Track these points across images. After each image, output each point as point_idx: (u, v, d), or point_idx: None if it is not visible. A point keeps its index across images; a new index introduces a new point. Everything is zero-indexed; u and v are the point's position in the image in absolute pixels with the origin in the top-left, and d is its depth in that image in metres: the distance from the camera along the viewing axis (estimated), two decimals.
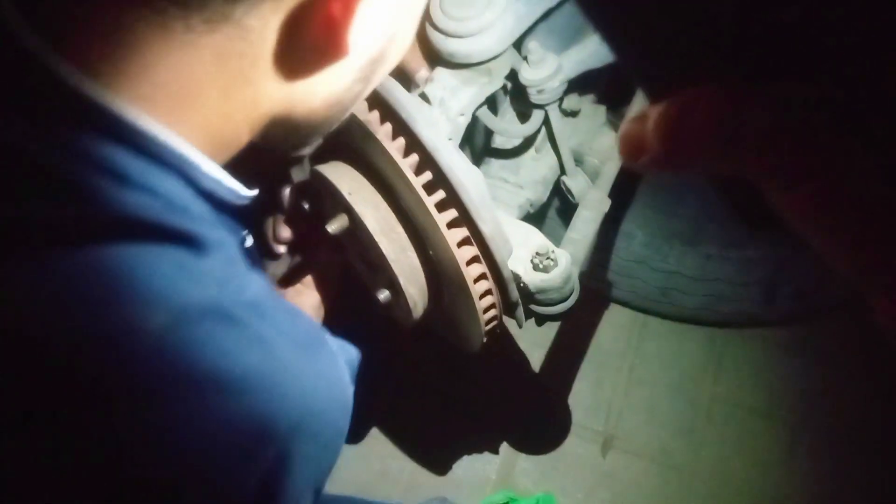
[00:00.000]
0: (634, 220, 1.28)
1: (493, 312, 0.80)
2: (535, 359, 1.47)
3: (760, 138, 0.25)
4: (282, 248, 1.00)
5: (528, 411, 1.42)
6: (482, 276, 0.76)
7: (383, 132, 0.75)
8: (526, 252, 0.79)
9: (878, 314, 0.27)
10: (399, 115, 0.73)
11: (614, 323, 1.51)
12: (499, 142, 1.05)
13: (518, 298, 0.77)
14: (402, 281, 0.79)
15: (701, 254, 1.25)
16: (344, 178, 0.81)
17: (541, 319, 0.93)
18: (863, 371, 1.41)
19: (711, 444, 1.37)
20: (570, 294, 0.79)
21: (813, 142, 0.25)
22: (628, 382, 1.44)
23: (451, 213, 0.73)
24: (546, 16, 0.85)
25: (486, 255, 0.74)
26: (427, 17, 0.80)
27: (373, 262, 0.82)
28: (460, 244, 0.74)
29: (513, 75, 0.90)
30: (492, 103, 0.95)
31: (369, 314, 1.11)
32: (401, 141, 0.74)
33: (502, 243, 0.73)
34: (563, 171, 1.04)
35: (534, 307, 0.81)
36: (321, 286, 0.94)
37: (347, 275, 0.96)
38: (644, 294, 1.38)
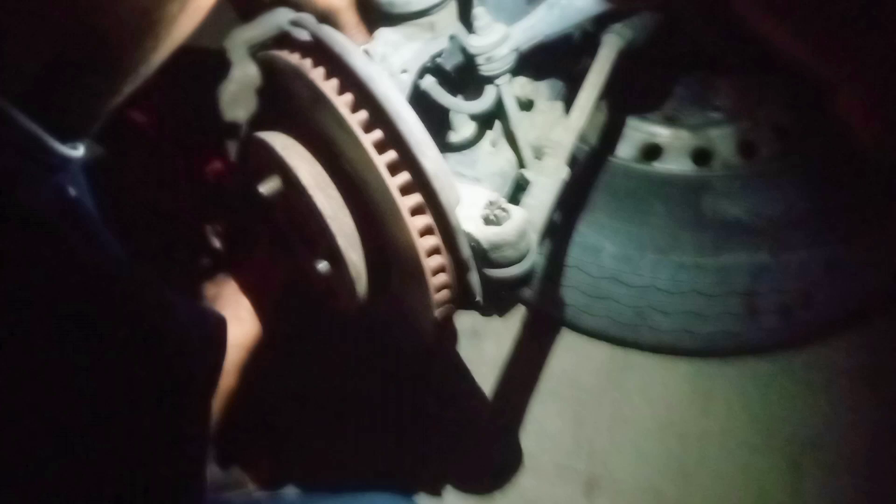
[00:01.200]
0: (601, 231, 1.25)
1: (443, 277, 0.74)
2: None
3: None
4: (217, 243, 0.95)
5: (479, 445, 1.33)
6: (428, 230, 0.71)
7: (317, 72, 0.71)
8: (477, 211, 0.74)
9: (840, 105, 0.30)
10: (332, 51, 0.70)
11: (592, 358, 1.44)
12: (454, 137, 1.02)
13: (471, 256, 0.71)
14: (340, 243, 0.74)
15: (674, 263, 1.21)
16: (277, 138, 0.77)
17: (500, 305, 0.87)
18: (865, 395, 1.36)
19: (706, 483, 1.29)
20: (527, 254, 0.73)
21: None
22: (611, 420, 1.36)
23: (392, 155, 0.69)
24: None
25: (433, 203, 0.69)
26: None
27: (310, 229, 0.77)
28: (404, 191, 0.69)
29: (462, 51, 0.88)
30: (445, 83, 0.92)
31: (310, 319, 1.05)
32: (335, 81, 0.71)
33: (447, 182, 0.68)
34: (521, 164, 1.01)
35: (489, 272, 0.74)
36: (262, 285, 0.88)
37: (286, 280, 0.91)
38: (619, 318, 1.32)
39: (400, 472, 0.93)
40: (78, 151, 0.53)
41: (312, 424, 1.32)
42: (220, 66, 0.83)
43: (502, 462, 1.33)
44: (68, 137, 0.52)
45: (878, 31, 0.28)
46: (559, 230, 1.29)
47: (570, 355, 1.47)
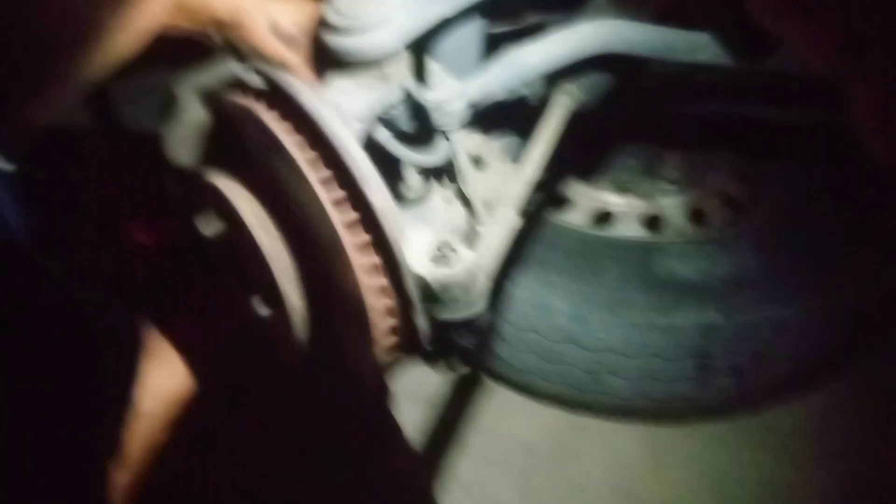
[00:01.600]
0: (555, 292, 1.25)
1: (389, 320, 0.72)
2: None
3: None
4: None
5: None
6: (374, 270, 0.69)
7: (269, 115, 0.71)
8: (426, 253, 0.73)
9: (855, 107, 0.31)
10: (286, 92, 0.70)
11: (546, 425, 1.42)
12: (407, 192, 1.03)
13: (418, 296, 0.70)
14: (282, 284, 0.72)
15: (627, 323, 1.21)
16: (222, 181, 0.76)
17: (449, 356, 0.85)
18: (819, 457, 1.35)
19: None
20: (477, 298, 0.72)
21: None
22: (566, 487, 1.33)
23: (339, 193, 0.68)
24: (444, 29, 0.86)
25: (380, 240, 0.68)
26: (321, 20, 0.80)
27: (252, 271, 0.75)
28: (350, 229, 0.68)
29: (415, 103, 0.89)
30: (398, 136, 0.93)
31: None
32: (287, 124, 0.71)
33: (395, 219, 0.67)
34: (474, 219, 1.01)
35: (439, 315, 0.73)
36: (200, 337, 0.86)
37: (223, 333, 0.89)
38: (574, 382, 1.31)
39: None
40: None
41: (248, 480, 1.25)
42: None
43: None
44: None
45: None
46: (510, 290, 1.28)
47: (523, 420, 1.44)
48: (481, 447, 1.41)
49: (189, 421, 0.82)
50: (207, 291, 0.88)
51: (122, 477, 0.70)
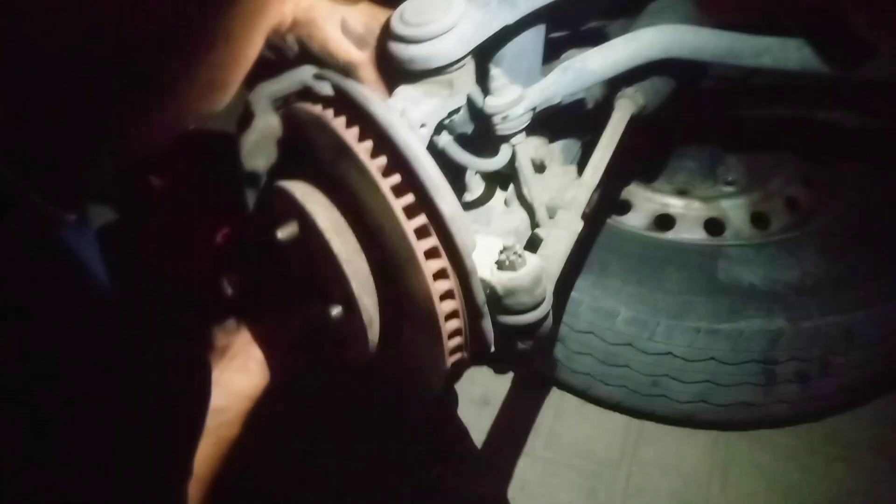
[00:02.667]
0: (617, 296, 1.25)
1: (456, 323, 0.74)
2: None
3: None
4: (230, 292, 0.96)
5: None
6: (442, 274, 0.71)
7: (338, 121, 0.74)
8: (491, 258, 0.75)
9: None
10: (354, 99, 0.72)
11: (607, 429, 1.42)
12: (468, 196, 1.04)
13: (484, 301, 0.71)
14: (355, 287, 0.74)
15: (689, 329, 1.20)
16: (296, 185, 0.79)
17: (513, 359, 0.86)
18: (885, 470, 1.32)
19: None
20: (542, 303, 0.73)
21: None
22: (625, 492, 1.32)
23: (409, 198, 0.70)
24: (506, 36, 0.87)
25: (448, 246, 0.70)
26: (387, 29, 0.82)
27: (325, 275, 0.77)
28: (419, 234, 0.70)
29: (479, 110, 0.90)
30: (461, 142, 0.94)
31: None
32: (355, 129, 0.73)
33: (463, 226, 0.69)
34: (535, 223, 1.02)
35: (503, 319, 0.74)
36: (273, 336, 0.88)
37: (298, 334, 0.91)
38: (634, 386, 1.30)
39: None
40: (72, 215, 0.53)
41: (315, 479, 1.29)
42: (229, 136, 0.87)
43: None
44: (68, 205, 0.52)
45: None
46: (573, 295, 1.29)
47: (585, 426, 1.44)
48: (542, 450, 1.41)
49: (262, 418, 0.85)
50: (281, 294, 0.91)
51: (193, 489, 0.72)
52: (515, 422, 1.45)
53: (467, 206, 1.04)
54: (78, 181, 0.50)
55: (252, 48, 0.46)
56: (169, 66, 0.42)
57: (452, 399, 1.38)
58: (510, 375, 1.51)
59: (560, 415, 1.46)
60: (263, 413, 0.87)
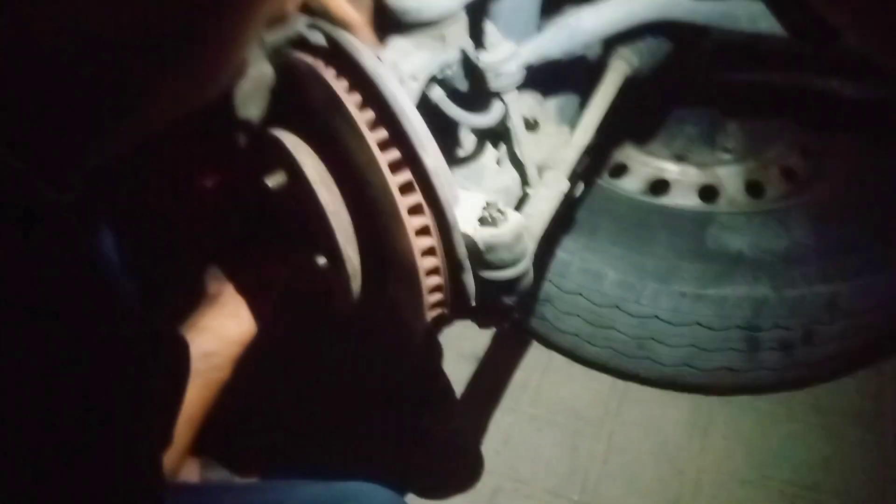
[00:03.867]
0: (604, 258, 1.26)
1: (437, 279, 0.75)
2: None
3: None
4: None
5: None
6: (425, 231, 0.72)
7: (328, 72, 0.74)
8: (474, 214, 0.76)
9: None
10: (344, 51, 0.73)
11: (591, 388, 1.45)
12: (461, 153, 1.05)
13: (465, 255, 0.73)
14: (339, 238, 0.76)
15: (675, 293, 1.21)
16: (287, 135, 0.80)
17: (495, 314, 0.88)
18: (864, 439, 1.35)
19: None
20: (522, 258, 0.75)
21: None
22: (607, 450, 1.35)
23: (394, 153, 0.71)
24: None
25: (431, 201, 0.71)
26: None
27: (311, 225, 0.78)
28: (403, 189, 0.71)
29: (471, 64, 0.91)
30: (454, 97, 0.95)
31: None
32: (345, 81, 0.73)
33: (446, 180, 0.70)
34: (525, 182, 1.03)
35: (484, 274, 0.76)
36: (264, 283, 0.90)
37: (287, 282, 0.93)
38: (620, 348, 1.32)
39: (389, 479, 0.94)
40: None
41: (304, 424, 1.32)
42: None
43: (494, 486, 1.32)
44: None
45: None
46: (559, 254, 1.30)
47: (571, 384, 1.47)
48: (528, 406, 1.44)
49: (252, 363, 0.87)
50: (271, 242, 0.92)
51: (182, 429, 0.75)
52: (503, 378, 1.47)
53: (459, 164, 1.05)
54: (76, 162, 0.51)
55: (245, 48, 0.46)
56: (188, 51, 0.43)
57: (440, 352, 1.40)
58: (500, 333, 1.54)
59: (547, 373, 1.49)
60: (256, 359, 0.89)
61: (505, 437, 1.38)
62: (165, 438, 0.67)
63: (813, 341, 1.26)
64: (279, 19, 0.47)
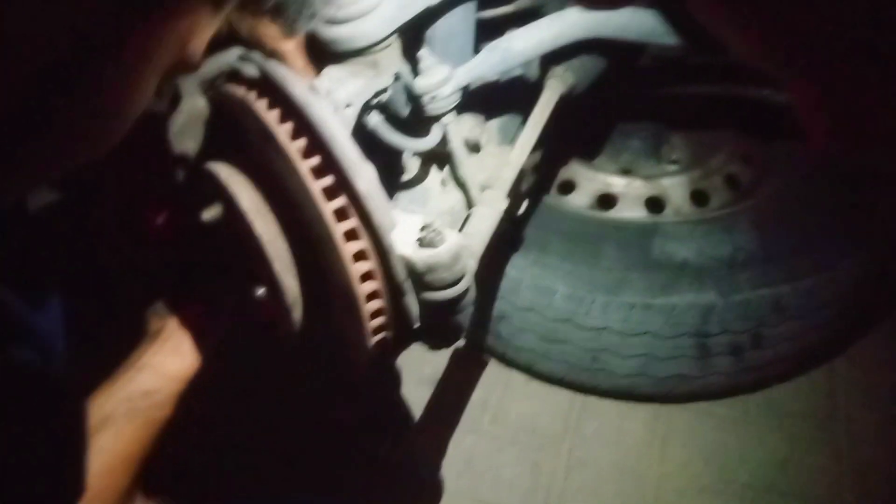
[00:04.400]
0: (555, 274, 1.28)
1: (377, 303, 0.75)
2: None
3: None
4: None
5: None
6: (362, 256, 0.73)
7: (260, 104, 0.74)
8: (412, 236, 0.76)
9: (796, 97, 0.31)
10: (274, 81, 0.73)
11: (550, 404, 1.45)
12: (406, 177, 1.06)
13: (406, 279, 0.73)
14: (276, 267, 0.76)
15: (624, 304, 1.23)
16: (222, 167, 0.80)
17: (442, 335, 0.88)
18: (819, 438, 1.38)
19: None
20: (462, 277, 0.75)
21: None
22: (568, 464, 1.36)
23: (328, 180, 0.71)
24: (434, 17, 0.89)
25: (367, 225, 0.71)
26: None
27: (249, 256, 0.78)
28: (339, 215, 0.71)
29: (407, 89, 0.92)
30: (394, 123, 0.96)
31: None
32: (276, 112, 0.73)
33: (381, 204, 0.70)
34: (470, 203, 1.04)
35: (425, 295, 0.76)
36: (207, 318, 0.89)
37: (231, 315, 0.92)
38: (575, 362, 1.33)
39: None
40: None
41: (262, 454, 1.31)
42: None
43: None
44: None
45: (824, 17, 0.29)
46: (514, 274, 1.31)
47: (530, 401, 1.47)
48: (488, 426, 1.44)
49: (194, 399, 0.86)
50: (212, 276, 0.92)
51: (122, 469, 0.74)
52: (463, 399, 1.47)
53: (405, 187, 1.06)
54: None
55: (142, 97, 0.43)
56: (67, 105, 0.40)
57: (397, 377, 1.40)
58: (459, 355, 1.54)
59: (507, 391, 1.49)
60: (199, 394, 0.88)
61: (466, 458, 1.38)
62: (76, 488, 0.65)
63: (762, 344, 1.28)
64: (185, 63, 0.45)
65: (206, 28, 0.45)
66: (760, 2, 0.31)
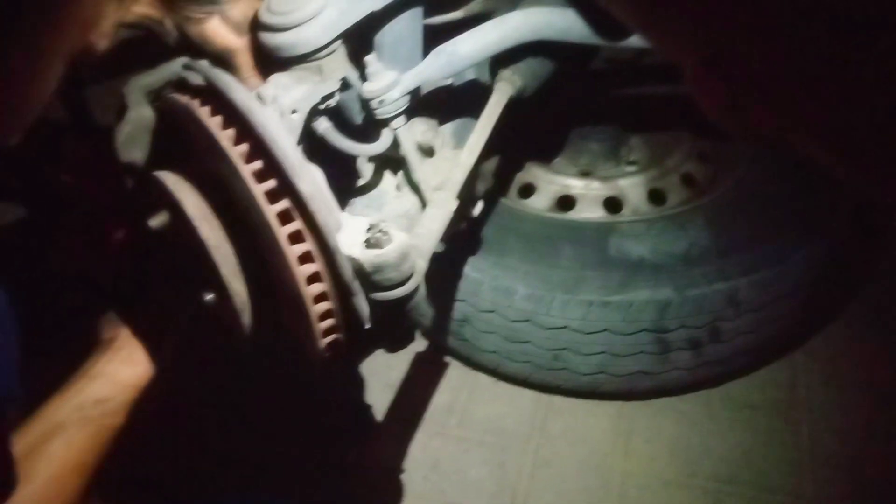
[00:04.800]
0: (514, 275, 1.29)
1: (326, 305, 0.76)
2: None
3: None
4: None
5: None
6: (308, 258, 0.73)
7: (204, 111, 0.75)
8: (359, 237, 0.77)
9: (695, 85, 0.32)
10: (216, 87, 0.74)
11: (516, 405, 1.47)
12: (360, 181, 1.06)
13: (353, 278, 0.74)
14: (224, 272, 0.76)
15: (583, 302, 1.24)
16: (168, 175, 0.80)
17: (395, 335, 0.89)
18: (780, 429, 1.40)
19: None
20: (410, 277, 0.76)
21: None
22: (534, 464, 1.37)
23: (271, 183, 0.72)
24: (380, 22, 0.90)
25: (311, 227, 0.72)
26: (256, 19, 0.84)
27: (196, 261, 0.79)
28: (282, 218, 0.72)
29: (355, 98, 0.93)
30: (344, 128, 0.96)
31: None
32: (219, 118, 0.74)
33: (325, 206, 0.71)
34: (424, 206, 1.05)
35: (374, 295, 0.77)
36: (160, 326, 0.89)
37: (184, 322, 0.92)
38: (538, 362, 1.35)
39: None
40: None
41: (225, 460, 1.30)
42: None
43: None
44: None
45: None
46: (475, 276, 1.32)
47: (496, 403, 1.48)
48: (455, 428, 1.45)
49: (149, 406, 0.86)
50: (163, 283, 0.92)
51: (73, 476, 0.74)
52: (429, 403, 1.48)
53: (359, 192, 1.07)
54: None
55: (47, 83, 0.42)
56: None
57: (363, 383, 1.41)
58: (424, 358, 1.55)
59: (473, 393, 1.50)
60: (154, 401, 0.88)
61: (433, 461, 1.39)
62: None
63: (720, 338, 1.30)
64: (89, 49, 0.45)
65: (111, 14, 0.45)
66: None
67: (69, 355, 0.89)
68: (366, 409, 1.44)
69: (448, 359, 1.53)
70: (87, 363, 0.84)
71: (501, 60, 1.06)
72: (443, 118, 1.19)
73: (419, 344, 1.52)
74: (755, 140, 0.34)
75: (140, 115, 0.86)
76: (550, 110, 1.39)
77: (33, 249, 1.29)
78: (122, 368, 0.84)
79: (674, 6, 0.31)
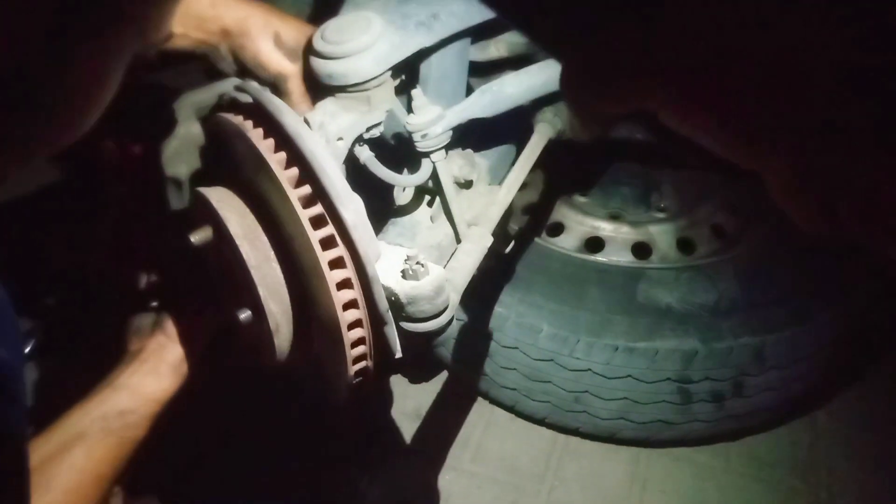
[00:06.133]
0: (540, 313, 1.28)
1: (359, 332, 0.77)
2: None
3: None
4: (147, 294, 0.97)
5: None
6: (346, 284, 0.74)
7: (255, 132, 0.77)
8: (396, 267, 0.78)
9: (774, 187, 0.29)
10: (267, 111, 0.75)
11: (532, 443, 1.45)
12: (396, 211, 1.07)
13: (387, 309, 0.74)
14: (262, 292, 0.77)
15: (608, 346, 1.24)
16: (214, 192, 0.81)
17: (422, 367, 0.89)
18: (799, 489, 1.37)
19: None
20: (444, 311, 0.77)
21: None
22: None
23: (317, 209, 0.73)
24: (427, 57, 0.91)
25: (352, 255, 0.73)
26: (309, 46, 0.85)
27: (236, 279, 0.80)
28: (325, 244, 0.73)
29: (400, 132, 0.94)
30: (386, 157, 0.98)
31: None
32: (270, 140, 0.76)
33: (366, 235, 0.72)
34: (458, 239, 1.05)
35: (406, 326, 0.78)
36: (187, 340, 0.90)
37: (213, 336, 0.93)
38: (558, 402, 1.34)
39: None
40: None
41: (238, 484, 1.30)
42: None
43: None
44: None
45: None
46: (500, 311, 1.32)
47: (512, 440, 1.47)
48: (469, 463, 1.44)
49: (173, 420, 0.86)
50: (197, 298, 0.93)
51: (93, 487, 0.74)
52: (445, 435, 1.47)
53: (394, 221, 1.08)
54: None
55: (112, 84, 0.42)
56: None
57: (380, 411, 1.40)
58: (443, 390, 1.54)
59: (489, 429, 1.49)
60: (179, 415, 0.89)
61: (445, 495, 1.38)
62: None
63: (743, 392, 1.29)
64: (147, 52, 0.44)
65: (166, 18, 0.44)
66: (730, 102, 0.30)
67: (94, 363, 0.90)
68: (380, 437, 1.44)
69: (466, 392, 1.53)
70: (112, 374, 0.85)
71: (544, 100, 1.07)
72: (480, 153, 1.20)
73: (438, 375, 1.52)
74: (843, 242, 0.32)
75: (188, 131, 0.88)
76: (585, 151, 1.40)
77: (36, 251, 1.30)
78: (146, 381, 0.85)
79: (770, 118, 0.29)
